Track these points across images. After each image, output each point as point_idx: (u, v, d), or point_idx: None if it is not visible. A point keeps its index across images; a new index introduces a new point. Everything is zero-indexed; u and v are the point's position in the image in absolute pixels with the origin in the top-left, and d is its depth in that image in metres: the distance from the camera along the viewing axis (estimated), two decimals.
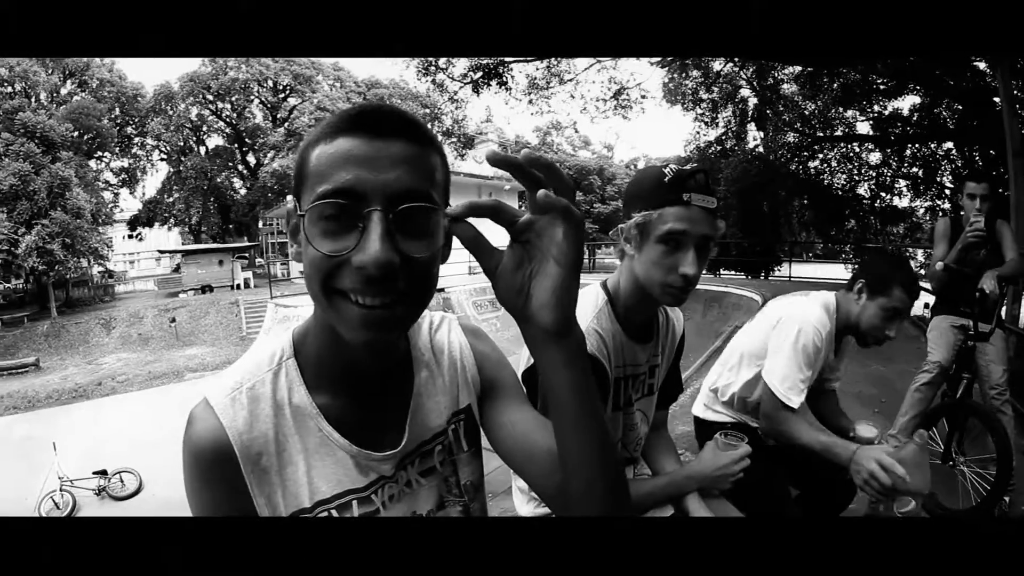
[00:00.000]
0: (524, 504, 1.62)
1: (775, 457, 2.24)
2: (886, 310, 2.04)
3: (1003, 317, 3.66)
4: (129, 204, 37.24)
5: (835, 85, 14.63)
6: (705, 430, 2.42)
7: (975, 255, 3.49)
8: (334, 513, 0.82)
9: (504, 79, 14.85)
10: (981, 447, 3.42)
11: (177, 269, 31.80)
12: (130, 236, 36.99)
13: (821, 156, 18.11)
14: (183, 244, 36.06)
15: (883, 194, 17.36)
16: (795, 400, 2.02)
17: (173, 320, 21.81)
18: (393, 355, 0.91)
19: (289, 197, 0.78)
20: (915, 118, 15.17)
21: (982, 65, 10.83)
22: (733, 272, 17.36)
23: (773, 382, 2.05)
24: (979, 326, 3.35)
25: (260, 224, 34.39)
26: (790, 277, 15.88)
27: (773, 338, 2.14)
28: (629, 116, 16.59)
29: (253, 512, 0.79)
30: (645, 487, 1.54)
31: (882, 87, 14.54)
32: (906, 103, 15.60)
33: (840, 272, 16.03)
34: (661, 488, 1.52)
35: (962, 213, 3.59)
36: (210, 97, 34.28)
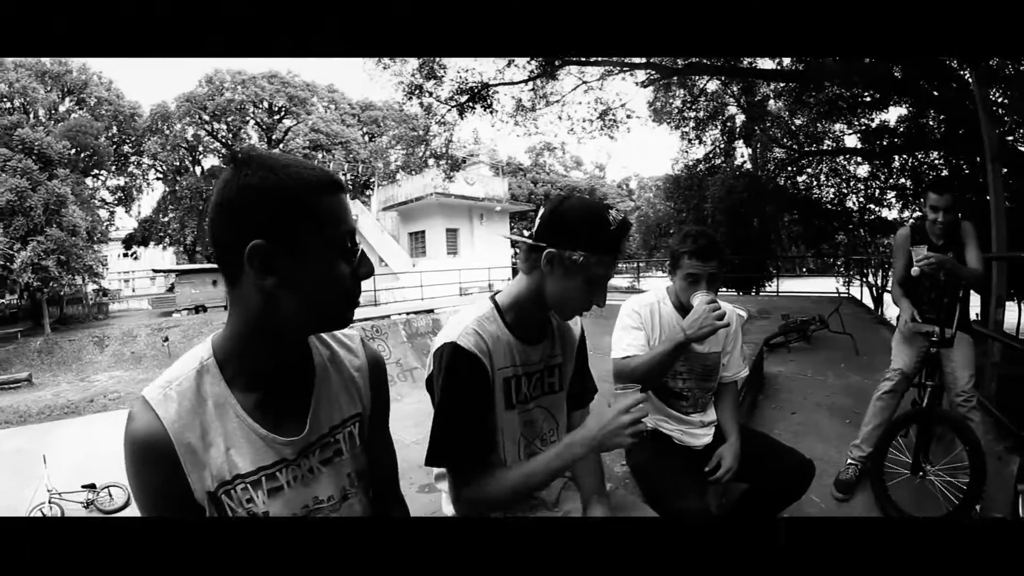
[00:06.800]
0: (447, 506, 1.73)
1: (694, 459, 2.48)
2: (684, 278, 2.36)
3: (968, 321, 3.62)
4: (124, 223, 37.29)
5: (821, 97, 14.71)
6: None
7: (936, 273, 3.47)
8: (249, 487, 1.01)
9: (489, 102, 14.94)
10: (947, 452, 3.44)
11: (171, 289, 31.69)
12: (125, 255, 37.04)
13: (809, 170, 18.25)
14: (177, 264, 35.95)
15: (872, 206, 17.46)
16: (627, 351, 2.36)
17: (166, 339, 21.76)
18: (300, 360, 1.13)
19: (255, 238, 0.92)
20: (901, 129, 15.25)
21: (964, 74, 10.96)
22: (723, 288, 17.39)
23: (613, 353, 2.40)
24: (944, 332, 3.31)
25: None
26: (777, 292, 15.97)
27: None
28: (615, 136, 16.71)
29: (187, 489, 0.96)
30: (528, 467, 1.49)
31: (867, 99, 14.66)
32: (892, 115, 15.73)
33: (831, 285, 16.06)
34: (545, 463, 1.45)
35: (926, 221, 3.55)
36: (206, 118, 34.41)
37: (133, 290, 38.60)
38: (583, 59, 13.89)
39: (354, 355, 1.23)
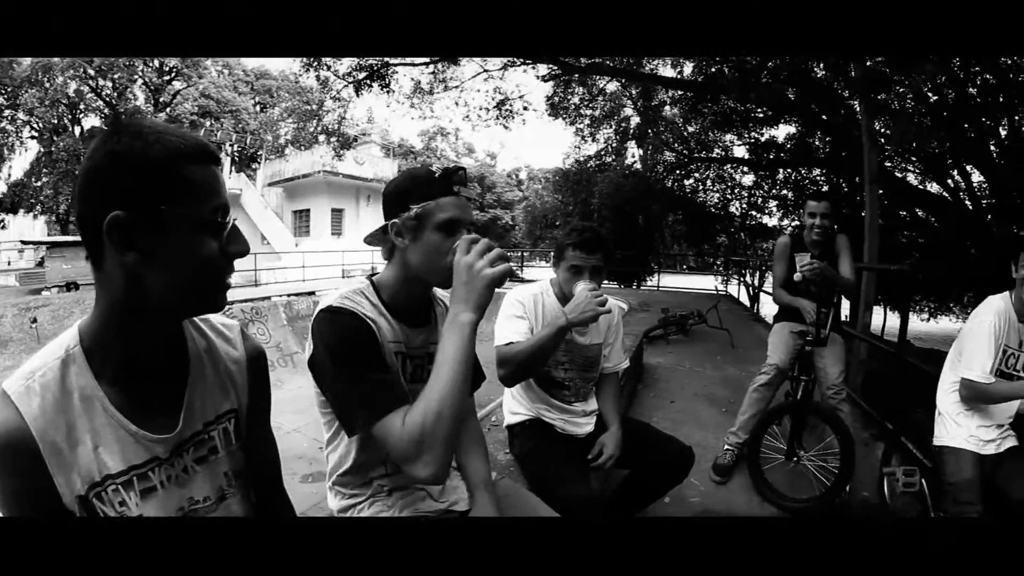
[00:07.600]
0: (332, 499, 1.68)
1: (577, 447, 2.55)
2: (568, 270, 2.40)
3: (840, 321, 3.90)
4: None
5: (716, 108, 15.26)
6: (512, 434, 2.70)
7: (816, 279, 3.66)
8: (120, 488, 0.94)
9: (387, 81, 14.64)
10: (819, 439, 3.74)
11: (41, 263, 29.22)
12: None
13: (697, 175, 19.04)
14: (49, 235, 32.93)
15: (754, 212, 18.49)
16: (510, 339, 2.37)
17: (34, 321, 20.04)
18: (173, 350, 1.06)
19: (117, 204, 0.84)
20: (789, 146, 16.11)
21: (853, 104, 11.71)
22: (606, 281, 17.75)
23: (495, 341, 2.40)
24: (819, 332, 3.57)
25: None
26: (658, 287, 16.68)
27: None
28: (510, 126, 16.65)
29: (54, 493, 0.88)
30: (428, 385, 1.27)
31: (760, 115, 15.36)
32: (781, 132, 16.60)
33: (710, 283, 16.80)
34: (443, 365, 1.26)
35: (804, 230, 3.81)
36: (91, 72, 31.23)
37: (8, 263, 35.37)
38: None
39: (232, 346, 1.16)
